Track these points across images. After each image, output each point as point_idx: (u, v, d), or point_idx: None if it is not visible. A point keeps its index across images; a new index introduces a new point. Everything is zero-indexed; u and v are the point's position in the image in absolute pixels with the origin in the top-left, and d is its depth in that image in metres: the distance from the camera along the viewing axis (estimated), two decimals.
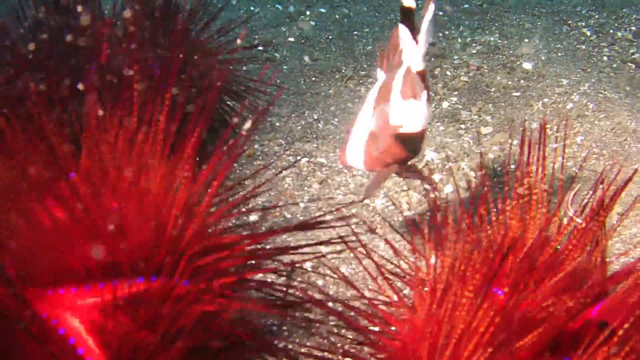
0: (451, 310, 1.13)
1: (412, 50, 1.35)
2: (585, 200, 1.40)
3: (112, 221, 1.14)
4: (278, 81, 2.40)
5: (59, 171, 1.17)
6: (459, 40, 2.68)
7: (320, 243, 1.25)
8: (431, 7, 1.34)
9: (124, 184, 1.17)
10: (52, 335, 1.12)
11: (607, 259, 1.32)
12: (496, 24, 2.77)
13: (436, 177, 2.09)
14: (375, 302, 1.23)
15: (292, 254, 1.23)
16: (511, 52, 2.59)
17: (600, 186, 1.35)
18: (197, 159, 1.22)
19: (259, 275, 1.20)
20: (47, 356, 1.11)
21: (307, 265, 1.69)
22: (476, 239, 1.24)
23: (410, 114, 1.31)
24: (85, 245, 1.13)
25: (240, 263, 1.19)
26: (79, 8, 1.70)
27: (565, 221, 1.36)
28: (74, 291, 1.15)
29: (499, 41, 2.66)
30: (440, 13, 2.79)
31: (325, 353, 1.21)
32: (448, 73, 2.50)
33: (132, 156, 1.20)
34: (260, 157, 2.12)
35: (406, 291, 1.45)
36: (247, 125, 1.21)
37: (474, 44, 2.64)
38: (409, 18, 1.35)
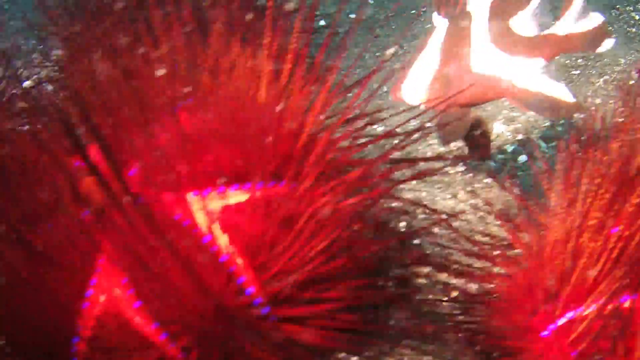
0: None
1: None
2: None
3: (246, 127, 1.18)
4: None
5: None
6: None
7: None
8: None
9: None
10: (188, 235, 1.15)
11: None
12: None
13: (509, 147, 2.13)
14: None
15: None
16: None
17: None
18: None
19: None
20: (183, 256, 1.13)
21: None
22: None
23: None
24: (220, 152, 1.18)
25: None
26: None
27: None
28: (209, 193, 1.18)
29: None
30: None
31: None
32: None
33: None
34: None
35: None
36: None
37: None
38: None
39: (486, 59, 1.49)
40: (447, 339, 1.29)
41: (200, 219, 1.16)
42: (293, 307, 1.16)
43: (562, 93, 1.45)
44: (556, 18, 1.51)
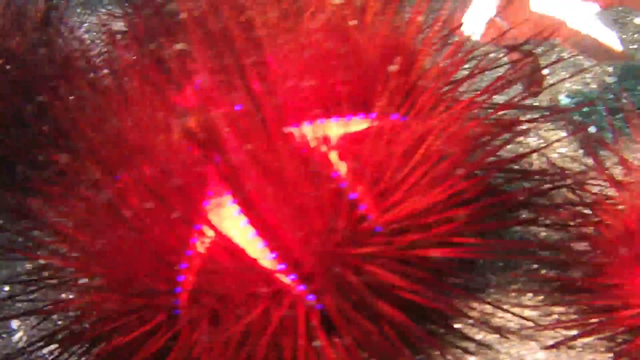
0: None
1: None
2: None
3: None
4: None
5: None
6: None
7: None
8: None
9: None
10: (307, 163, 1.12)
11: None
12: None
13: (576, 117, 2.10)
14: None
15: None
16: (620, 9, 2.63)
17: None
18: None
19: None
20: (303, 184, 1.10)
21: None
22: None
23: None
24: (339, 80, 1.15)
25: None
26: None
27: None
28: (329, 121, 1.16)
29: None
30: None
31: None
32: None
33: None
34: None
35: None
36: None
37: None
38: None
39: None
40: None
41: (321, 147, 1.12)
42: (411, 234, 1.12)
43: (611, 40, 1.45)
44: None
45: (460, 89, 1.27)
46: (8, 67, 1.77)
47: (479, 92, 1.24)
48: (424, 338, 1.17)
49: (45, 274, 1.39)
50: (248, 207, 1.12)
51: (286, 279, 1.12)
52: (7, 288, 1.67)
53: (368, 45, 1.18)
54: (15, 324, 1.56)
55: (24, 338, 1.52)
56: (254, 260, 1.11)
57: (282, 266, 1.11)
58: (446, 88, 1.22)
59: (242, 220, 1.14)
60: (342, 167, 1.12)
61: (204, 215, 1.13)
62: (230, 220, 1.15)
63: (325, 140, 1.12)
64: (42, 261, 1.35)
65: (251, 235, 1.13)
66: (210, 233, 1.13)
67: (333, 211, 1.08)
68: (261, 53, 1.18)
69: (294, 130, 1.14)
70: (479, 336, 1.27)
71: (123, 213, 1.15)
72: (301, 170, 1.08)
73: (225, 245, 1.12)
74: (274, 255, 1.12)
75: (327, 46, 1.15)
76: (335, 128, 1.16)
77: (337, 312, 1.09)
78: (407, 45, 1.22)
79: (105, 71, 1.39)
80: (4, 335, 1.54)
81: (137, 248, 1.14)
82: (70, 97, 1.33)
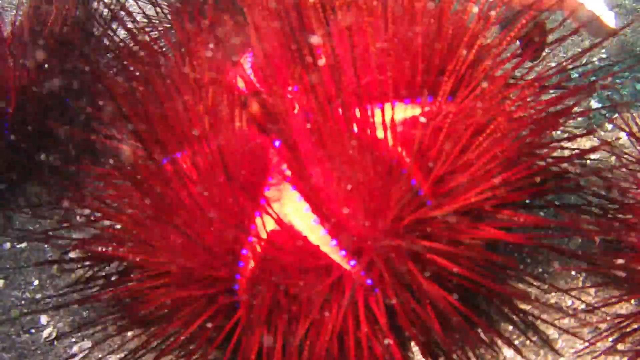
0: None
1: None
2: None
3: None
4: None
5: None
6: None
7: None
8: None
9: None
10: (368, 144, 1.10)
11: None
12: None
13: (609, 126, 2.08)
14: None
15: None
16: None
17: None
18: None
19: None
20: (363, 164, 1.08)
21: None
22: None
23: None
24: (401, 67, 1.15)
25: None
26: None
27: None
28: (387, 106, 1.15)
29: (634, 5, 2.68)
30: None
31: None
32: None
33: None
34: None
35: None
36: None
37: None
38: None
39: None
40: None
41: (381, 130, 1.11)
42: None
43: (608, 18, 1.48)
44: None
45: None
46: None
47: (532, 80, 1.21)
48: (477, 322, 1.16)
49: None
50: (311, 194, 1.11)
51: (346, 265, 1.11)
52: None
53: (432, 33, 1.17)
54: (44, 319, 1.52)
55: (54, 334, 1.49)
56: (316, 247, 1.10)
57: (343, 252, 1.11)
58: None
59: (305, 206, 1.13)
60: (403, 152, 1.11)
61: (265, 202, 1.12)
62: (292, 207, 1.14)
63: (388, 124, 1.11)
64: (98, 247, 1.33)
65: (313, 222, 1.12)
66: (272, 219, 1.12)
67: (394, 197, 1.07)
68: (329, 32, 1.17)
69: (357, 113, 1.12)
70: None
71: (183, 198, 1.14)
72: (364, 155, 1.08)
73: (287, 232, 1.11)
74: (335, 242, 1.11)
75: (397, 30, 1.15)
76: (397, 112, 1.15)
77: (395, 296, 1.09)
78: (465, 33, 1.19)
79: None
80: (33, 330, 1.50)
81: (197, 234, 1.12)
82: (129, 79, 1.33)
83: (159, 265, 1.15)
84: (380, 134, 1.11)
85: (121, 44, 1.41)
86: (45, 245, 1.69)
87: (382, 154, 1.09)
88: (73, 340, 1.48)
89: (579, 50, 2.08)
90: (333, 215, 1.09)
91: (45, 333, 1.50)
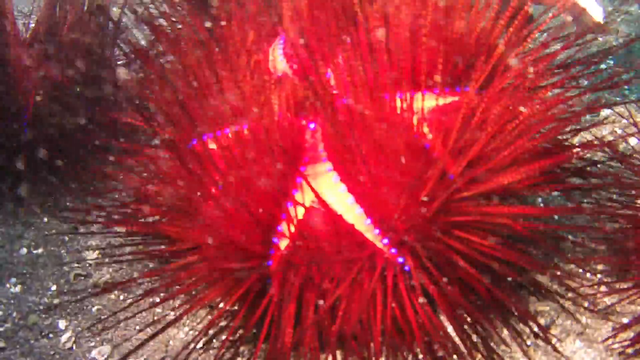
0: None
1: None
2: None
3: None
4: None
5: None
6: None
7: None
8: None
9: None
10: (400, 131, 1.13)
11: None
12: None
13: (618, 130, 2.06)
14: None
15: None
16: None
17: None
18: None
19: None
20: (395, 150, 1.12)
21: None
22: None
23: None
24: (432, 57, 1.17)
25: None
26: None
27: None
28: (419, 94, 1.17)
29: None
30: None
31: None
32: (600, 39, 2.50)
33: None
34: None
35: None
36: None
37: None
38: None
39: None
40: None
41: (412, 117, 1.14)
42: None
43: (596, 12, 1.52)
44: None
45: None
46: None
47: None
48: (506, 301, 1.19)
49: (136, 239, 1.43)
50: (348, 174, 1.16)
51: (380, 244, 1.15)
52: (95, 255, 1.68)
53: (465, 26, 1.22)
54: (62, 323, 1.50)
55: (73, 338, 1.46)
56: (351, 225, 1.14)
57: (377, 231, 1.15)
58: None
59: (341, 187, 1.17)
60: (430, 136, 1.15)
61: (302, 180, 1.17)
62: (328, 187, 1.18)
63: (418, 111, 1.15)
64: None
65: (349, 202, 1.16)
66: (307, 198, 1.17)
67: (427, 179, 1.11)
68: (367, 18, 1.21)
69: (391, 98, 1.16)
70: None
71: (218, 174, 1.18)
72: (399, 138, 1.12)
73: (325, 209, 1.15)
74: (369, 220, 1.15)
75: (433, 20, 1.17)
76: (428, 100, 1.18)
77: (426, 275, 1.13)
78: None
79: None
80: (51, 335, 1.48)
81: (232, 211, 1.16)
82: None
83: (196, 237, 1.18)
84: (413, 119, 1.14)
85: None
86: (62, 251, 1.68)
87: (415, 138, 1.12)
88: (92, 344, 1.45)
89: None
90: (369, 195, 1.13)
91: (63, 338, 1.48)
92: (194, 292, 1.29)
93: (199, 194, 1.18)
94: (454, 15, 1.19)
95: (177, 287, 1.28)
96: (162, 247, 1.36)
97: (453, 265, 1.11)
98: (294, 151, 1.19)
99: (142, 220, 1.38)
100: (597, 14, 1.52)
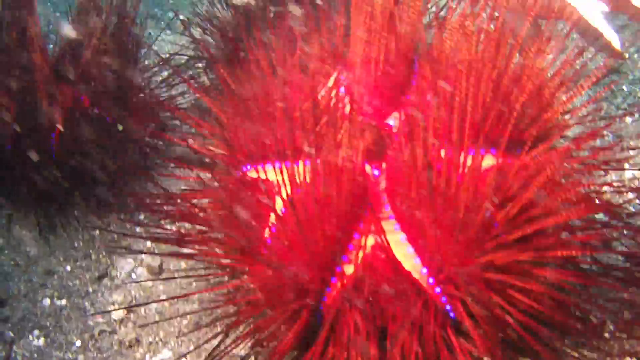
0: None
1: None
2: None
3: None
4: None
5: None
6: None
7: None
8: None
9: None
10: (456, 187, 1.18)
11: None
12: None
13: None
14: None
15: None
16: None
17: None
18: None
19: None
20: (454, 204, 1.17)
21: None
22: None
23: None
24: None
25: None
26: None
27: None
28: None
29: None
30: None
31: None
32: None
33: None
34: None
35: None
36: None
37: None
38: None
39: None
40: None
41: (475, 176, 1.19)
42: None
43: (612, 38, 1.59)
44: None
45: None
46: None
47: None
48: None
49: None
50: (408, 224, 1.22)
51: (433, 291, 1.21)
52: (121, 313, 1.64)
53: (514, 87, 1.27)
54: None
55: None
56: (409, 272, 1.20)
57: (432, 280, 1.21)
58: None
59: (401, 235, 1.23)
60: (487, 195, 1.19)
61: (366, 224, 1.23)
62: (388, 234, 1.23)
63: (473, 170, 1.20)
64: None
65: (408, 250, 1.23)
66: (369, 242, 1.22)
67: (479, 234, 1.17)
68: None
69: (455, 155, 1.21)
70: None
71: (283, 210, 1.23)
72: (453, 196, 1.17)
73: (386, 254, 1.20)
74: (425, 269, 1.21)
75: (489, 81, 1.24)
76: (487, 160, 1.25)
77: (473, 323, 1.18)
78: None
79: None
80: None
81: (294, 246, 1.21)
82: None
83: (255, 271, 1.23)
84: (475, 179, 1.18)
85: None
86: (86, 303, 1.63)
87: (477, 198, 1.17)
88: None
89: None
90: (426, 246, 1.19)
91: None
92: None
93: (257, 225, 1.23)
94: (524, 81, 1.24)
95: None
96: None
97: (502, 322, 1.16)
98: (360, 195, 1.24)
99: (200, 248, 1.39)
100: (615, 41, 1.60)
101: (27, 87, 1.68)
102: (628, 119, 2.00)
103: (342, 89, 1.39)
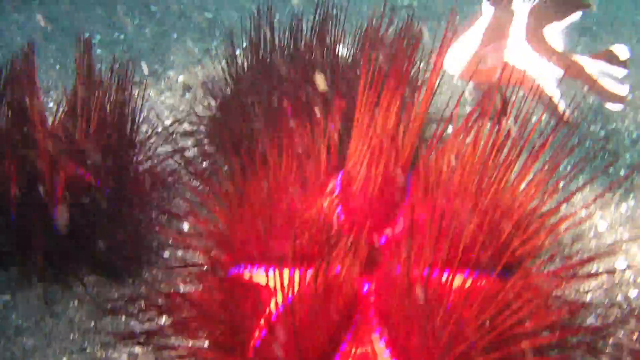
0: None
1: None
2: None
3: None
4: None
5: None
6: None
7: None
8: None
9: None
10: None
11: None
12: None
13: None
14: None
15: None
16: None
17: None
18: None
19: None
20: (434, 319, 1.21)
21: None
22: None
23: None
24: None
25: None
26: None
27: None
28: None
29: None
30: None
31: None
32: None
33: None
34: None
35: None
36: None
37: None
38: None
39: (518, 52, 1.79)
40: None
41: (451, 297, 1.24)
42: None
43: (616, 88, 1.74)
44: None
45: None
46: None
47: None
48: None
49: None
50: (393, 341, 1.25)
51: None
52: None
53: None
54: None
55: None
56: None
57: None
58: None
59: (385, 351, 1.26)
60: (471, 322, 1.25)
61: (353, 334, 1.27)
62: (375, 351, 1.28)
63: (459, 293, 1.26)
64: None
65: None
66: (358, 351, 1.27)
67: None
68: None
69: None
70: None
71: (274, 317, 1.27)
72: (436, 314, 1.22)
73: None
74: None
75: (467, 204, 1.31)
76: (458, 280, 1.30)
77: None
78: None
79: None
80: None
81: (286, 354, 1.24)
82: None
83: None
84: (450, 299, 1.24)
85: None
86: None
87: (448, 313, 1.22)
88: None
89: None
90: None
91: None
92: None
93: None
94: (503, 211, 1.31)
95: None
96: None
97: None
98: (351, 305, 1.28)
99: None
100: (619, 89, 1.73)
101: (28, 161, 1.73)
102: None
103: (338, 206, 1.45)
